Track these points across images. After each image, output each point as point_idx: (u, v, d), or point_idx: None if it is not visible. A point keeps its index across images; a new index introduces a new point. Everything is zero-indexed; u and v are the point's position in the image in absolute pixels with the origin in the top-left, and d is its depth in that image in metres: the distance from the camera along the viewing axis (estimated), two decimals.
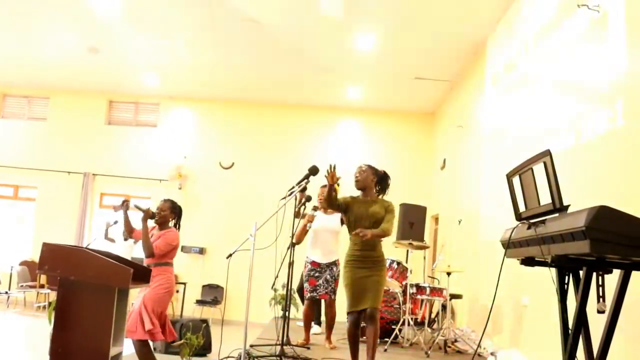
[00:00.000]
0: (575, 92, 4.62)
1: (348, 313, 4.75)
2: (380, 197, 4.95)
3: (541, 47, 5.62)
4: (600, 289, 2.50)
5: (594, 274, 2.52)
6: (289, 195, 5.12)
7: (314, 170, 5.14)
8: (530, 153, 2.89)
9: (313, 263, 6.23)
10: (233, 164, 11.75)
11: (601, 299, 2.47)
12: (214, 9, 7.68)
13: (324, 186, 6.34)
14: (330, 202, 4.73)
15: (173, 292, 5.23)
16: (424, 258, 8.76)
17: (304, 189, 5.26)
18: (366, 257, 4.76)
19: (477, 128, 7.99)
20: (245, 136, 11.86)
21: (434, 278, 8.96)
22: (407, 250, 8.34)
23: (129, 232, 5.23)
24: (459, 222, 8.33)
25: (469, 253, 7.64)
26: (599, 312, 2.48)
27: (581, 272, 2.59)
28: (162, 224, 5.29)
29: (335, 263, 6.22)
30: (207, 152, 11.83)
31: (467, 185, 8.17)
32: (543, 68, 5.51)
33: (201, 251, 11.28)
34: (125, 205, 5.22)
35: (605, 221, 2.25)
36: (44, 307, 10.68)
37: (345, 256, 4.88)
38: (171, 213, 5.31)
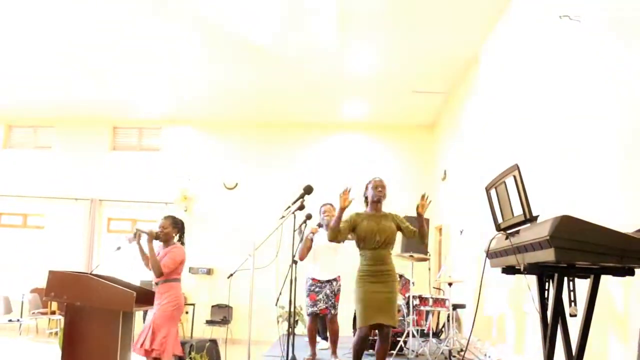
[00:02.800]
0: (566, 101, 4.75)
1: (359, 328, 4.80)
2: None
3: (531, 57, 5.77)
4: (572, 293, 2.65)
5: (565, 280, 2.67)
6: (287, 214, 5.26)
7: (308, 190, 5.31)
8: (523, 164, 3.02)
9: (313, 279, 6.29)
10: (237, 184, 11.92)
11: (572, 303, 2.63)
12: (214, 32, 7.86)
13: (328, 204, 6.46)
14: (336, 235, 4.83)
15: (182, 307, 5.32)
16: (429, 269, 8.83)
17: (302, 206, 5.41)
18: (379, 271, 4.84)
19: (474, 138, 8.12)
20: (247, 156, 12.02)
21: (439, 289, 9.00)
22: (412, 263, 8.43)
23: (146, 263, 5.30)
24: (461, 232, 8.40)
25: (472, 263, 7.72)
26: (570, 315, 2.63)
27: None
28: (166, 241, 5.41)
29: (335, 279, 6.28)
30: (211, 173, 11.98)
31: (468, 196, 8.24)
32: (534, 77, 5.65)
33: (208, 272, 11.42)
34: (138, 236, 5.32)
35: (568, 230, 2.41)
36: (56, 333, 10.85)
37: (357, 272, 4.95)
38: (173, 229, 5.42)
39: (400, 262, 7.98)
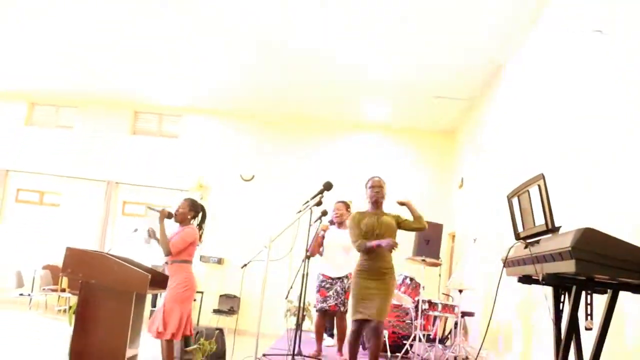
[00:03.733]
0: (593, 112, 4.72)
1: (351, 322, 4.88)
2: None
3: (559, 67, 5.73)
4: (589, 307, 2.64)
5: (584, 293, 2.66)
6: (304, 208, 5.29)
7: (327, 186, 5.34)
8: (545, 174, 3.00)
9: (324, 275, 6.34)
10: (253, 176, 11.94)
11: (589, 317, 2.62)
12: (238, 25, 7.91)
13: (340, 202, 6.57)
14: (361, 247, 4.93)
15: (194, 288, 5.38)
16: (439, 275, 8.79)
17: (319, 202, 5.43)
18: (375, 268, 4.89)
19: (493, 146, 8.10)
20: (265, 149, 12.05)
21: (448, 295, 9.00)
22: (423, 267, 8.41)
23: (167, 253, 5.35)
24: (474, 240, 8.39)
25: (484, 271, 7.71)
26: (586, 329, 2.62)
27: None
28: (181, 222, 5.49)
29: (347, 277, 6.30)
30: (228, 164, 12.03)
31: (484, 204, 8.23)
32: (563, 89, 5.62)
33: (219, 261, 11.45)
34: (152, 233, 5.43)
35: (590, 243, 2.40)
36: (65, 310, 10.96)
37: (355, 266, 5.04)
38: (190, 211, 5.51)
39: (411, 265, 8.03)
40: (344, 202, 6.59)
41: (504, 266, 3.32)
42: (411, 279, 7.49)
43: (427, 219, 8.59)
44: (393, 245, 4.77)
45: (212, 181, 11.92)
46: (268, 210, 11.47)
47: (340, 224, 6.43)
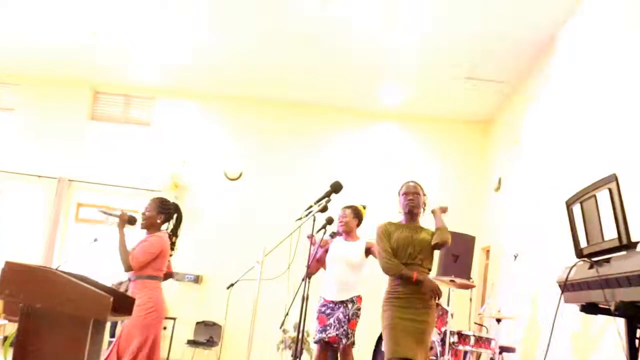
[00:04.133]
0: None
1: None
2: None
3: (623, 45, 5.65)
4: None
5: None
6: (307, 215, 5.22)
7: (336, 187, 5.26)
8: (602, 175, 2.94)
9: (325, 299, 6.30)
10: (241, 174, 11.92)
11: None
12: None
13: (348, 207, 6.51)
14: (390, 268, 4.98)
15: (161, 312, 5.33)
16: (470, 300, 8.80)
17: (325, 208, 5.34)
18: (411, 293, 4.88)
19: (540, 141, 8.06)
20: (257, 142, 12.06)
21: (481, 325, 9.00)
22: (449, 289, 8.38)
23: (127, 268, 5.32)
24: (515, 257, 8.37)
25: (527, 296, 7.66)
26: None
27: None
28: (149, 228, 5.44)
29: (352, 300, 6.24)
30: (211, 159, 12.03)
31: (528, 212, 8.21)
32: (624, 70, 5.54)
33: (196, 280, 11.40)
34: (121, 222, 5.39)
35: None
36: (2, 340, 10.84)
37: (385, 293, 5.02)
38: (159, 213, 5.46)
39: (443, 289, 7.96)
40: (353, 207, 6.54)
41: (562, 291, 3.23)
42: (437, 305, 7.38)
43: (455, 229, 8.60)
44: (436, 292, 4.83)
45: (190, 180, 11.87)
46: (260, 217, 11.45)
47: (348, 234, 6.40)
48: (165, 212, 5.53)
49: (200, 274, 11.49)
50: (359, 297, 6.28)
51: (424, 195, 5.22)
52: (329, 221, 6.04)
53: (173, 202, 5.70)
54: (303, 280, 5.54)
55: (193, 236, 11.12)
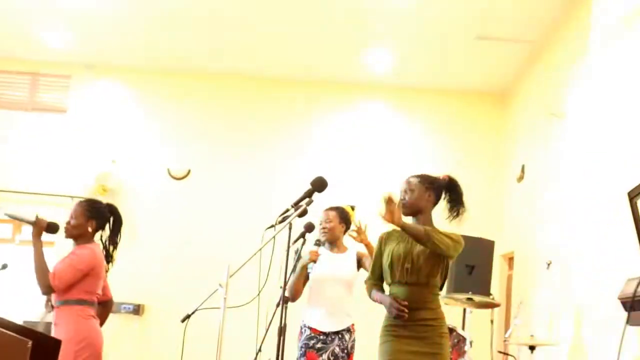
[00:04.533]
0: None
1: None
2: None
3: None
4: None
5: None
6: (281, 221, 5.08)
7: (319, 185, 5.16)
8: None
9: (312, 329, 6.27)
10: (189, 172, 11.82)
11: None
12: None
13: (331, 209, 6.49)
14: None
15: (96, 347, 5.31)
16: (492, 322, 8.75)
17: (304, 212, 5.15)
18: (412, 320, 4.79)
19: (577, 117, 7.99)
20: (209, 130, 11.98)
21: (507, 354, 9.01)
22: (464, 310, 8.29)
23: (46, 290, 5.25)
24: (548, 265, 8.34)
25: (568, 315, 7.62)
26: None
27: None
28: (77, 238, 5.39)
29: (348, 329, 6.25)
30: (149, 154, 11.92)
31: (562, 208, 8.20)
32: None
33: (136, 310, 11.28)
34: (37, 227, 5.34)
35: None
36: None
37: (383, 320, 4.98)
38: (88, 220, 5.39)
39: (449, 309, 7.88)
40: (338, 209, 6.51)
41: (628, 310, 3.05)
42: (452, 330, 7.42)
43: (469, 232, 8.44)
44: (398, 311, 4.76)
45: (122, 182, 11.77)
46: (217, 227, 11.38)
47: (333, 244, 6.40)
48: (97, 216, 5.46)
49: (141, 303, 11.36)
50: (353, 326, 6.33)
51: (428, 187, 5.06)
52: (309, 228, 5.96)
53: (106, 203, 5.66)
54: (278, 305, 5.46)
55: (129, 255, 10.76)
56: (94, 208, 5.47)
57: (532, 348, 7.21)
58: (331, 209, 6.44)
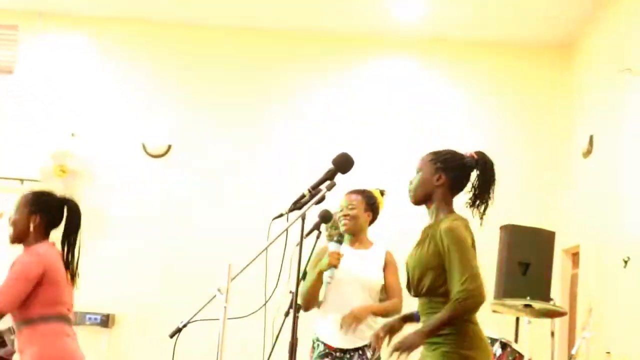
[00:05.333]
0: None
1: None
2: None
3: None
4: None
5: None
6: (293, 209, 5.08)
7: (343, 164, 5.17)
8: None
9: (327, 345, 6.34)
10: (170, 148, 11.86)
11: None
12: None
13: (356, 192, 6.48)
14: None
15: None
16: (552, 334, 8.77)
17: (322, 198, 5.19)
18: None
19: None
20: (194, 94, 12.00)
21: None
22: (517, 320, 8.35)
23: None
24: (625, 262, 8.31)
25: None
26: None
27: None
28: (23, 241, 5.41)
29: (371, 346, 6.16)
30: (119, 126, 11.97)
31: None
32: None
33: (105, 322, 11.33)
34: None
35: None
36: None
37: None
38: (32, 215, 5.39)
39: (499, 318, 8.01)
40: (364, 193, 6.52)
41: None
42: (504, 346, 7.42)
43: (522, 221, 8.52)
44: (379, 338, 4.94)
45: (85, 161, 11.78)
46: (209, 216, 11.39)
47: (355, 237, 6.44)
48: (43, 209, 5.46)
49: (111, 313, 11.40)
50: None
51: (439, 167, 4.97)
52: (325, 218, 5.92)
53: (58, 197, 5.64)
54: (287, 315, 5.52)
55: (96, 253, 10.88)
56: (40, 200, 5.47)
57: None
58: (355, 192, 6.43)
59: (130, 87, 12.03)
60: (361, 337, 6.19)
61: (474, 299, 4.51)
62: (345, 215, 6.31)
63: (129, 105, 12.00)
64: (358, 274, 6.22)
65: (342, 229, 6.35)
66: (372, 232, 6.58)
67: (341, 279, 6.20)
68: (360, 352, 6.23)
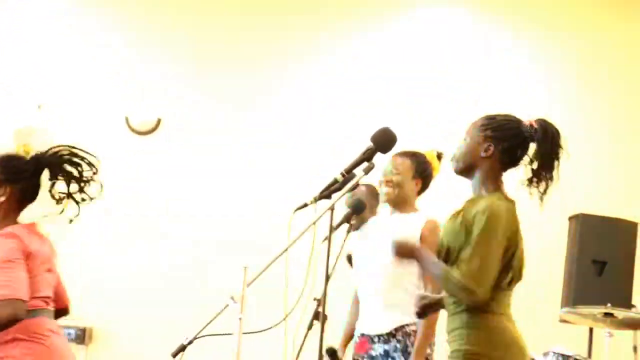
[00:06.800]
0: None
1: None
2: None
3: None
4: None
5: None
6: (321, 197, 5.11)
7: (385, 141, 5.23)
8: None
9: (362, 338, 6.54)
10: (159, 122, 11.90)
11: None
12: None
13: (404, 154, 6.64)
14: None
15: None
16: (634, 349, 8.73)
17: (357, 184, 5.17)
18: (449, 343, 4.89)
19: None
20: (187, 58, 12.05)
21: None
22: (590, 331, 8.35)
23: None
24: None
25: None
26: None
27: None
28: None
29: (404, 331, 6.38)
30: (95, 96, 12.00)
31: None
32: None
33: (81, 337, 11.37)
34: None
35: None
36: None
37: None
38: (7, 181, 5.31)
39: (568, 329, 7.90)
40: (413, 156, 6.64)
41: None
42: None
43: (595, 210, 8.52)
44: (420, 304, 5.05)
45: (53, 138, 11.62)
46: (210, 204, 11.39)
47: (398, 208, 6.49)
48: (16, 177, 5.37)
49: (88, 326, 11.45)
50: (413, 328, 6.38)
51: (488, 136, 4.97)
52: (356, 208, 5.91)
53: (28, 158, 5.53)
54: (310, 327, 5.74)
55: (70, 254, 10.93)
56: (9, 165, 5.38)
57: None
58: (403, 154, 6.48)
59: (109, 50, 12.08)
60: (393, 316, 6.35)
61: (465, 296, 4.64)
62: (387, 182, 6.35)
63: (108, 71, 12.04)
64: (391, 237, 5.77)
65: (382, 198, 6.43)
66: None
67: (372, 247, 6.44)
68: (399, 336, 6.30)
